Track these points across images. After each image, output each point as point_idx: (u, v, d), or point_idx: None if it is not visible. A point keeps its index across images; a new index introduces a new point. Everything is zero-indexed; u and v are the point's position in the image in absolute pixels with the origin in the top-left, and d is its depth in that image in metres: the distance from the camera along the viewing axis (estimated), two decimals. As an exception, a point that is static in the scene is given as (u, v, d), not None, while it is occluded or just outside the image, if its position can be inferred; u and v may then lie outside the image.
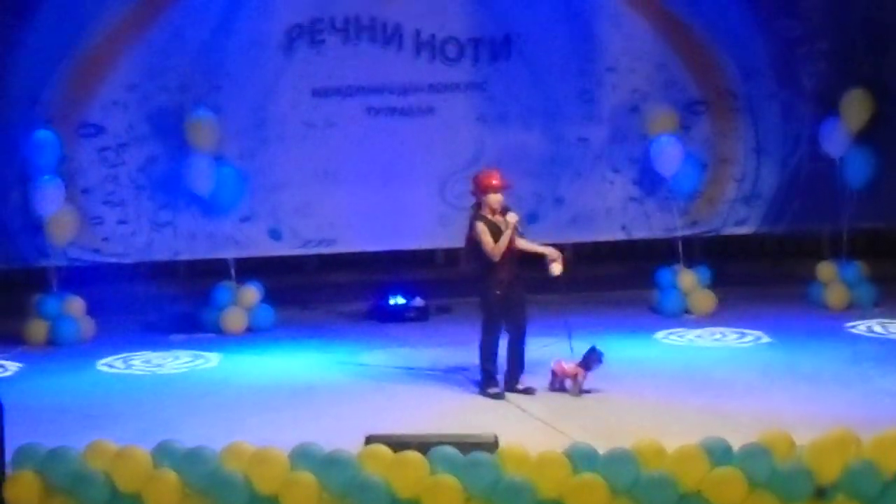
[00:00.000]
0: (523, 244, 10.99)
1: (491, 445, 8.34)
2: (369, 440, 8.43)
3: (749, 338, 12.76)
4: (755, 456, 7.97)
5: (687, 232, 14.20)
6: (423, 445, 8.16)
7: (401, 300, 13.89)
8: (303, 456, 8.12)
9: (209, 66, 13.53)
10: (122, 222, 13.58)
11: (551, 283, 10.87)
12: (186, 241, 13.68)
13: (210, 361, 12.36)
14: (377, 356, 12.32)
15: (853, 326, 13.02)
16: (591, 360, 10.88)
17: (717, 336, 12.89)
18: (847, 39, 14.06)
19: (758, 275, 14.95)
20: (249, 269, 13.81)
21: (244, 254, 13.81)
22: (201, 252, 13.81)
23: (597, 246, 15.05)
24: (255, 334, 13.35)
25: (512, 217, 10.83)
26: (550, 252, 10.97)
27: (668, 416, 10.06)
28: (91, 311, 13.29)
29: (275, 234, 13.89)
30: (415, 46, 13.85)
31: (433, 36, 13.85)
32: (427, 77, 13.90)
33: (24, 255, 13.35)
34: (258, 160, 13.73)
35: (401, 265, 14.72)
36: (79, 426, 9.85)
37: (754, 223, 14.40)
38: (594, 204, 14.20)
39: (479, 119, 14.02)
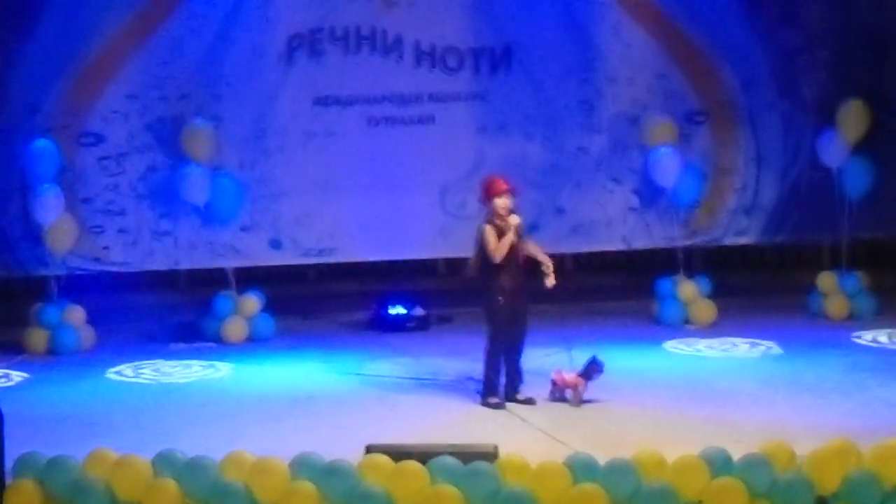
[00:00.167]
0: (528, 248, 10.94)
1: (491, 455, 8.35)
2: (369, 450, 8.44)
3: (746, 346, 12.76)
4: (755, 466, 7.98)
5: (687, 242, 14.19)
6: (424, 455, 8.17)
7: (401, 310, 13.87)
8: (303, 465, 8.13)
9: (210, 75, 13.52)
10: (122, 231, 13.56)
11: (550, 294, 10.85)
12: (187, 250, 13.67)
13: (220, 371, 12.31)
14: (378, 366, 12.30)
15: (858, 337, 13.01)
16: (591, 370, 10.86)
17: (727, 346, 12.82)
18: (846, 50, 14.07)
19: (758, 285, 14.92)
20: (250, 278, 13.79)
21: (244, 263, 13.80)
22: (201, 261, 13.78)
23: (597, 256, 15.05)
24: (255, 344, 13.33)
25: (513, 219, 10.75)
26: (546, 262, 10.93)
27: (669, 427, 10.03)
28: (91, 320, 13.26)
29: (275, 244, 13.88)
30: (415, 56, 13.85)
31: (434, 46, 13.85)
32: (427, 87, 13.89)
33: (24, 264, 13.33)
34: (258, 169, 13.72)
35: (401, 275, 14.71)
36: (79, 435, 9.83)
37: (754, 233, 14.38)
38: (594, 214, 14.19)
39: (480, 129, 14.01)
